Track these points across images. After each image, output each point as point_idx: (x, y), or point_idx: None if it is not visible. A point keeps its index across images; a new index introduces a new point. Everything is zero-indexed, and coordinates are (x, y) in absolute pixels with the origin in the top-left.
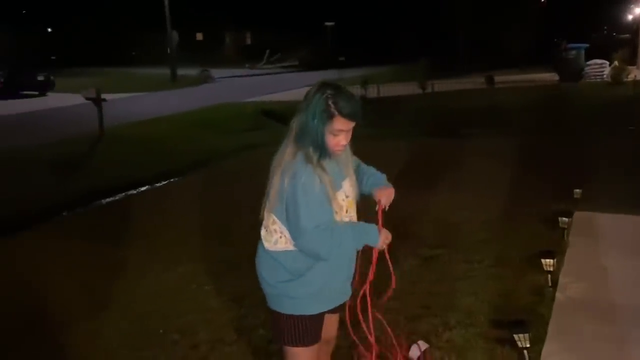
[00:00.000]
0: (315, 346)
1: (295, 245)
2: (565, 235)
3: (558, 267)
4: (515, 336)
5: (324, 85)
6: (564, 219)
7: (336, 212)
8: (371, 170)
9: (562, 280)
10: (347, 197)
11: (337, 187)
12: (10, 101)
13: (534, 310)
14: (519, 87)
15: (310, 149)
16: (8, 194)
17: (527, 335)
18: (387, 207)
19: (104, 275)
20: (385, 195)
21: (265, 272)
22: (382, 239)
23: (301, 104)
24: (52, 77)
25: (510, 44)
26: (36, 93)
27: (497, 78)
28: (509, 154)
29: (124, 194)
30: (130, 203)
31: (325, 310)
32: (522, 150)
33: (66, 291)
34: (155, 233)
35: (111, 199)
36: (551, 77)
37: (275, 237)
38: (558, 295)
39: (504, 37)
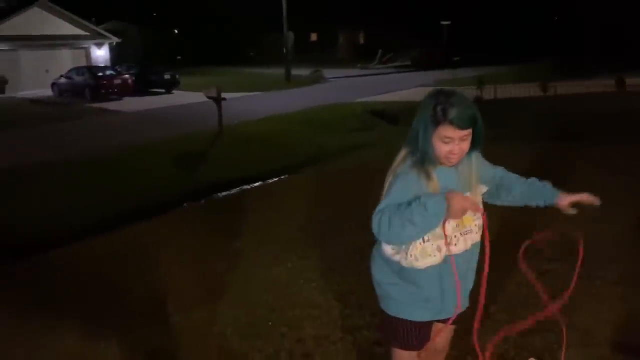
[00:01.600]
0: (419, 352)
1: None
2: None
3: None
4: None
5: (437, 92)
6: None
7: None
8: (529, 182)
9: None
10: None
11: None
12: (140, 98)
13: None
14: None
15: (418, 155)
16: (134, 186)
17: None
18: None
19: (218, 266)
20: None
21: (376, 272)
22: (455, 205)
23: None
24: (177, 77)
25: None
26: (163, 91)
27: (630, 81)
28: None
29: (239, 188)
30: (244, 197)
31: (432, 319)
32: None
33: (184, 278)
34: (267, 227)
35: (227, 192)
36: None
37: None
38: None
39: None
